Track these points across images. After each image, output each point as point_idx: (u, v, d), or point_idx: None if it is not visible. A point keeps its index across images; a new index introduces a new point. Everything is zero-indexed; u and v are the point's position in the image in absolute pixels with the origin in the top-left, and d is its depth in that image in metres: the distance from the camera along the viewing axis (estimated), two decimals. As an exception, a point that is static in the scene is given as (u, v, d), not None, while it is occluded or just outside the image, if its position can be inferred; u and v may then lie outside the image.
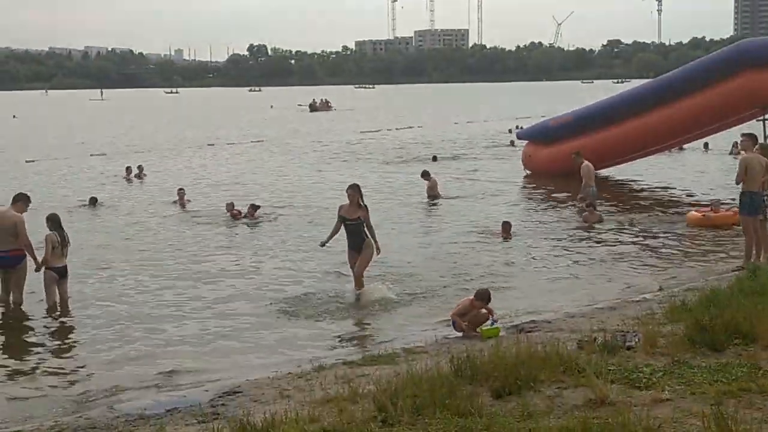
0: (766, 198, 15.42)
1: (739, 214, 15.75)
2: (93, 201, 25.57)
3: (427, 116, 74.92)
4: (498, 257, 17.50)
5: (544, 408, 7.57)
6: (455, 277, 15.68)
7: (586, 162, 22.97)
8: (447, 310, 13.01)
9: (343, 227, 14.27)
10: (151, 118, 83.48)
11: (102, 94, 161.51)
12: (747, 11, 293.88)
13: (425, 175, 26.56)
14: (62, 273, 14.25)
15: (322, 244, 14.52)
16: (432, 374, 8.40)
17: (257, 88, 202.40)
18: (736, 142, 32.74)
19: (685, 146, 34.08)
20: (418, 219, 22.76)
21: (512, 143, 40.00)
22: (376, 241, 14.24)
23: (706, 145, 36.08)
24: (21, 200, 14.34)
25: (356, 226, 14.02)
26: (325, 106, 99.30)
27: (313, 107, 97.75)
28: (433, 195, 25.93)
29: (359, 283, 14.10)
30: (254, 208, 22.59)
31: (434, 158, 38.42)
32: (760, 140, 20.73)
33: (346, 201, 14.24)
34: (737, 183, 15.37)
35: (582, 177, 22.64)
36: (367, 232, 14.19)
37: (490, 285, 13.63)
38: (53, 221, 14.38)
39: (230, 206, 22.85)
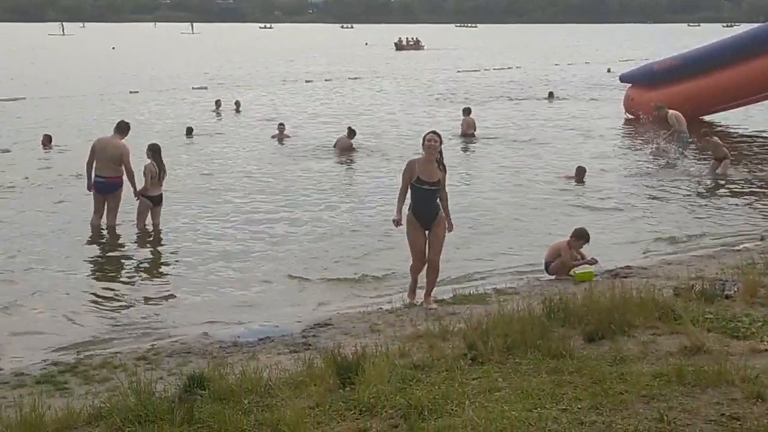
0: None
1: None
2: (189, 131, 26.18)
3: (527, 55, 73.90)
4: (586, 201, 17.34)
5: (637, 353, 7.56)
6: (537, 217, 15.65)
7: (671, 111, 22.60)
8: (532, 251, 12.99)
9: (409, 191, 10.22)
10: (245, 53, 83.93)
11: (192, 28, 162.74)
12: None
13: (466, 111, 26.94)
14: (157, 201, 14.67)
15: (397, 223, 10.22)
16: (524, 315, 8.43)
17: (349, 26, 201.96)
18: None
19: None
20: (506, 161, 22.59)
21: (551, 95, 39.24)
22: (449, 215, 10.28)
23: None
24: (124, 128, 14.80)
25: (432, 193, 9.96)
26: (415, 45, 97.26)
27: (399, 46, 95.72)
28: (468, 134, 26.10)
29: (435, 273, 10.35)
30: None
31: (551, 95, 38.81)
32: None
33: (418, 155, 10.51)
34: None
35: (671, 125, 22.22)
36: (442, 201, 10.21)
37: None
38: (154, 151, 14.70)
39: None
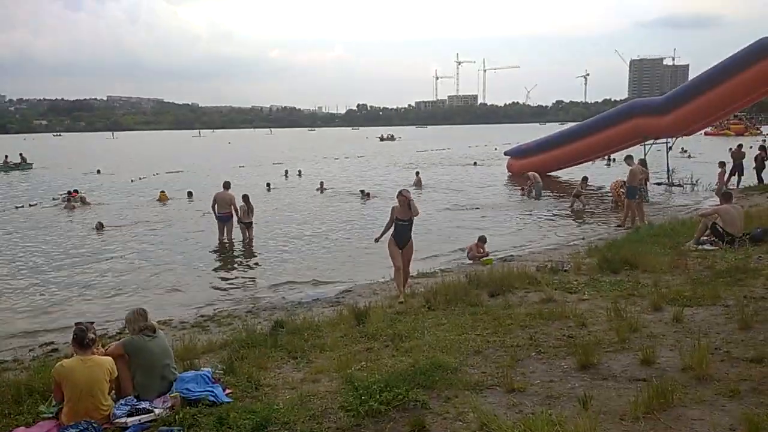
0: (642, 189, 15.17)
1: (627, 198, 15.29)
2: (268, 186, 26.18)
3: (453, 142, 74.06)
4: (488, 225, 17.26)
5: (517, 302, 7.56)
6: (462, 231, 15.32)
7: (530, 172, 22.55)
8: (457, 251, 12.99)
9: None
10: (300, 144, 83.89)
11: (271, 131, 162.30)
12: (635, 82, 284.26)
13: (417, 173, 26.73)
14: (248, 225, 14.69)
15: (377, 240, 9.10)
16: (456, 283, 8.42)
17: (357, 128, 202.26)
18: (607, 159, 32.06)
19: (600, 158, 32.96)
20: (446, 199, 22.53)
21: (475, 164, 38.28)
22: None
23: (611, 159, 34.57)
24: (227, 185, 14.90)
25: (406, 226, 8.85)
26: (391, 138, 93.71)
27: (381, 139, 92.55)
28: (418, 185, 25.44)
29: (406, 275, 9.12)
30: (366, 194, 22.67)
31: (475, 163, 37.96)
32: (642, 156, 20.17)
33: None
34: (628, 182, 15.03)
35: (530, 180, 22.16)
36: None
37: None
38: (244, 197, 14.78)
39: (363, 192, 22.92)
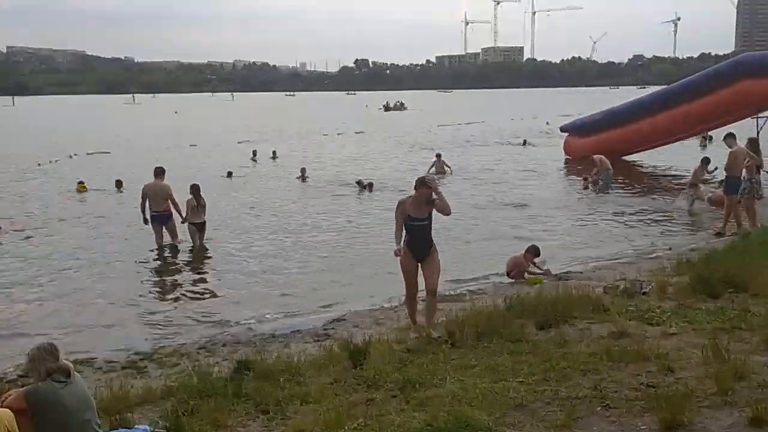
0: (753, 181, 15.03)
1: (725, 194, 15.23)
2: (229, 174, 26.35)
3: (489, 114, 73.98)
4: (537, 229, 17.30)
5: (576, 337, 7.57)
6: (500, 240, 15.35)
7: (595, 156, 22.75)
8: (493, 265, 13.01)
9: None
10: (276, 115, 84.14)
11: (233, 97, 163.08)
12: (746, 31, 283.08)
13: (438, 156, 27.17)
14: (200, 227, 14.85)
15: (398, 252, 8.55)
16: (490, 309, 8.44)
17: (352, 92, 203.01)
18: (703, 137, 31.90)
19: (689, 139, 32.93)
20: (479, 192, 22.58)
21: (524, 143, 38.73)
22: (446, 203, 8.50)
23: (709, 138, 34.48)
24: (160, 172, 15.12)
25: (423, 227, 8.47)
26: (400, 106, 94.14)
27: (387, 108, 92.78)
28: (440, 171, 26.10)
29: (433, 303, 8.76)
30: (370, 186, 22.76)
31: (524, 143, 38.50)
32: (752, 134, 20.10)
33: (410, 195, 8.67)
34: (727, 171, 15.02)
35: (596, 166, 22.35)
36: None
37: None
38: (194, 189, 14.91)
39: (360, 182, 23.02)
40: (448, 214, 8.61)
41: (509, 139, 42.56)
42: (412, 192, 8.55)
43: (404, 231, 8.50)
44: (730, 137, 15.31)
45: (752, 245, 11.71)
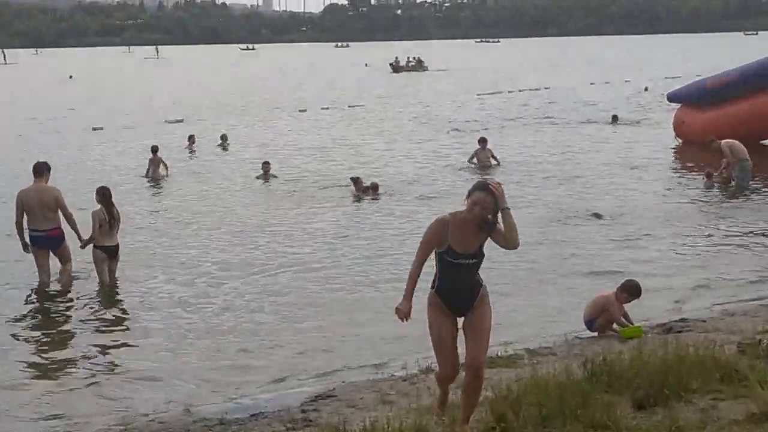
0: None
1: None
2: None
3: (558, 74, 73.99)
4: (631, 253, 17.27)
5: (696, 422, 7.56)
6: (573, 274, 15.36)
7: (724, 141, 22.71)
8: (564, 311, 12.97)
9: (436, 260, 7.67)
10: (225, 79, 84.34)
11: (158, 52, 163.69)
12: None
13: (482, 141, 27.47)
14: (111, 252, 14.74)
15: (403, 315, 7.60)
16: (561, 379, 8.42)
17: (344, 44, 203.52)
18: None
19: None
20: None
21: (614, 119, 38.96)
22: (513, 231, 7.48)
23: None
24: (46, 170, 14.96)
25: (471, 267, 7.56)
26: (417, 65, 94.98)
27: (396, 68, 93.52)
28: (485, 165, 26.70)
29: (476, 383, 7.66)
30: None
31: (614, 118, 38.77)
32: None
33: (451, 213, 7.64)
34: None
35: (725, 156, 22.38)
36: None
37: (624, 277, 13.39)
38: (102, 195, 14.77)
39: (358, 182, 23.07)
40: (514, 247, 7.67)
41: (589, 114, 42.56)
42: (455, 207, 7.70)
43: (437, 271, 7.62)
44: None
45: None
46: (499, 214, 7.45)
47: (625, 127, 37.32)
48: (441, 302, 7.64)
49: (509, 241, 7.54)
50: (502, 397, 8.17)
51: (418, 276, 7.63)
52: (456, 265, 7.50)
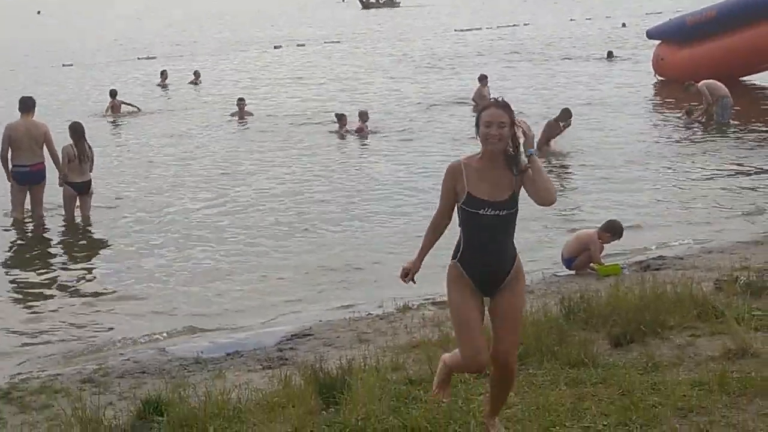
0: None
1: None
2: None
3: (538, 10, 73.46)
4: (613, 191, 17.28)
5: (672, 359, 7.62)
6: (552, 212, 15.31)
7: (701, 83, 22.84)
8: (542, 249, 13.00)
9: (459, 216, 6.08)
10: (197, 13, 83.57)
11: None
12: None
13: (482, 78, 26.96)
14: (81, 189, 14.81)
15: (408, 274, 6.25)
16: (538, 318, 8.46)
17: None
18: None
19: None
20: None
21: (610, 55, 38.98)
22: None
23: None
24: (31, 105, 15.12)
25: (500, 222, 5.91)
26: (387, 1, 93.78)
27: (366, 3, 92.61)
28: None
29: (507, 375, 6.15)
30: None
31: (609, 55, 38.81)
32: None
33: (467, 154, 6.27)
34: None
35: (704, 98, 22.48)
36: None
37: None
38: (75, 131, 14.86)
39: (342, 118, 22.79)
40: (550, 199, 6.01)
41: (583, 50, 42.43)
42: (470, 149, 6.63)
43: (462, 231, 6.07)
44: None
45: None
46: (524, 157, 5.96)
47: (621, 61, 37.17)
48: (464, 274, 5.98)
49: (542, 191, 5.90)
50: (437, 343, 8.22)
51: (436, 234, 6.17)
52: (479, 219, 5.86)
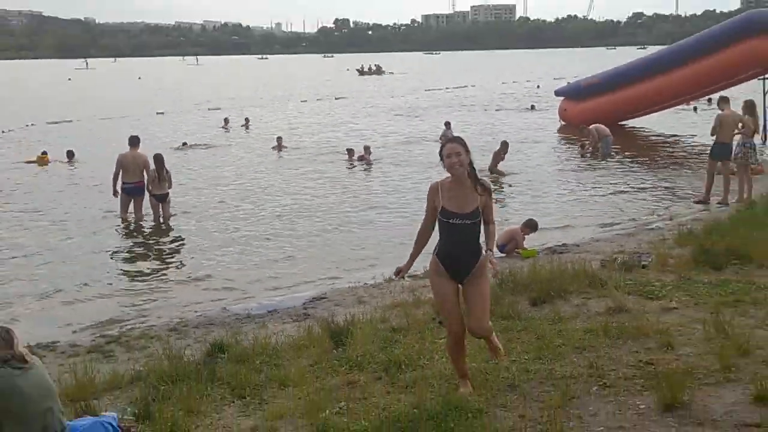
0: (748, 145, 15.00)
1: (710, 159, 15.26)
2: (184, 144, 26.40)
3: (480, 77, 73.66)
4: (530, 200, 17.34)
5: (571, 314, 7.65)
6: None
7: (591, 126, 22.95)
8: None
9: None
10: (248, 79, 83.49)
11: (197, 60, 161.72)
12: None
13: (447, 124, 26.32)
14: (161, 198, 14.92)
15: (400, 273, 5.99)
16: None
17: (330, 55, 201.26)
18: (709, 98, 31.69)
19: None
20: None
21: (532, 107, 38.67)
22: (492, 248, 5.88)
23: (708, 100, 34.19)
24: (136, 141, 15.35)
25: (467, 228, 5.65)
26: (377, 71, 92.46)
27: (361, 72, 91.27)
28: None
29: (487, 338, 6.16)
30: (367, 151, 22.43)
31: (532, 107, 38.40)
32: (760, 96, 20.18)
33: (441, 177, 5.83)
34: (712, 135, 15.05)
35: (594, 134, 22.51)
36: (485, 233, 5.82)
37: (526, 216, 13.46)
38: (157, 160, 15.04)
39: (350, 151, 22.65)
40: (491, 232, 5.84)
41: (513, 104, 42.39)
42: (424, 169, 6.17)
43: (440, 236, 5.79)
44: (722, 101, 15.38)
45: (759, 215, 11.80)
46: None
47: (540, 112, 36.96)
48: (441, 265, 5.76)
49: (489, 223, 5.78)
50: (412, 304, 8.26)
51: (424, 241, 5.91)
52: (450, 226, 5.63)
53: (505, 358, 6.29)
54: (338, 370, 6.51)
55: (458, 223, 5.61)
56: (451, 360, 5.98)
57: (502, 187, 17.91)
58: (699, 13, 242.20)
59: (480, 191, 5.62)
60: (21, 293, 10.83)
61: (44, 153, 23.38)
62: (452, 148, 5.59)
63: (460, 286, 5.77)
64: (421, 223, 5.87)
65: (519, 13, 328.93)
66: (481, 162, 19.15)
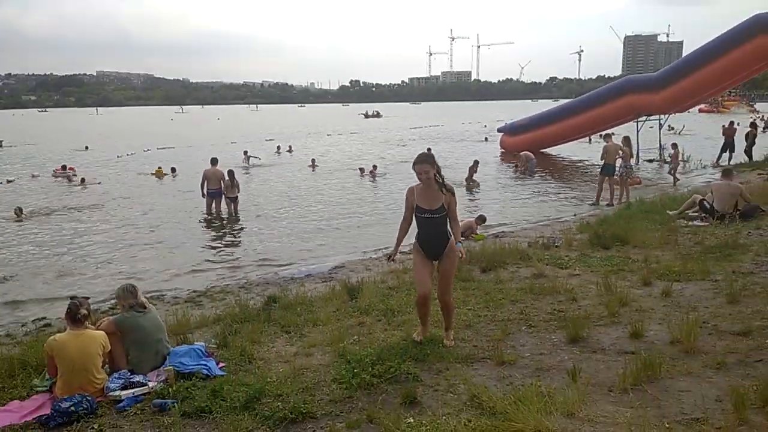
0: (626, 166, 15.11)
1: (600, 174, 15.31)
2: (245, 152, 26.61)
3: (447, 119, 73.57)
4: (482, 202, 17.27)
5: (508, 278, 7.63)
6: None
7: (522, 153, 22.87)
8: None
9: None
10: (291, 120, 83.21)
11: (257, 108, 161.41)
12: (629, 59, 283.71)
13: (429, 150, 25.93)
14: (233, 200, 14.92)
15: (390, 258, 5.60)
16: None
17: (347, 104, 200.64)
18: (600, 134, 31.52)
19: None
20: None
21: (486, 139, 38.00)
22: (460, 240, 5.33)
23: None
24: (215, 161, 15.46)
25: (435, 220, 5.22)
26: (376, 114, 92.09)
27: (366, 115, 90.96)
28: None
29: (447, 310, 5.46)
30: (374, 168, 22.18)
31: (486, 138, 37.19)
32: (630, 133, 20.25)
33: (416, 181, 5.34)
34: (603, 160, 15.04)
35: (523, 158, 22.45)
36: (451, 227, 5.30)
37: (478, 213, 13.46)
38: (230, 173, 15.01)
39: (362, 170, 22.37)
40: (456, 230, 5.31)
41: (472, 137, 42.20)
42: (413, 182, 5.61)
43: (417, 226, 5.34)
44: (607, 136, 15.69)
45: (634, 212, 11.80)
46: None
47: (484, 143, 36.65)
48: (420, 248, 5.33)
49: (454, 220, 5.32)
50: (402, 271, 8.22)
51: (404, 231, 5.38)
52: (423, 219, 5.23)
53: (452, 334, 5.51)
54: (352, 315, 6.50)
55: (429, 217, 5.21)
56: (417, 312, 5.58)
57: (465, 193, 17.80)
58: (594, 77, 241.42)
59: (445, 192, 5.21)
60: (138, 261, 10.83)
61: (159, 168, 23.35)
62: (421, 168, 5.20)
63: (436, 263, 5.34)
64: (402, 219, 5.38)
65: (474, 76, 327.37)
66: (449, 174, 19.12)
